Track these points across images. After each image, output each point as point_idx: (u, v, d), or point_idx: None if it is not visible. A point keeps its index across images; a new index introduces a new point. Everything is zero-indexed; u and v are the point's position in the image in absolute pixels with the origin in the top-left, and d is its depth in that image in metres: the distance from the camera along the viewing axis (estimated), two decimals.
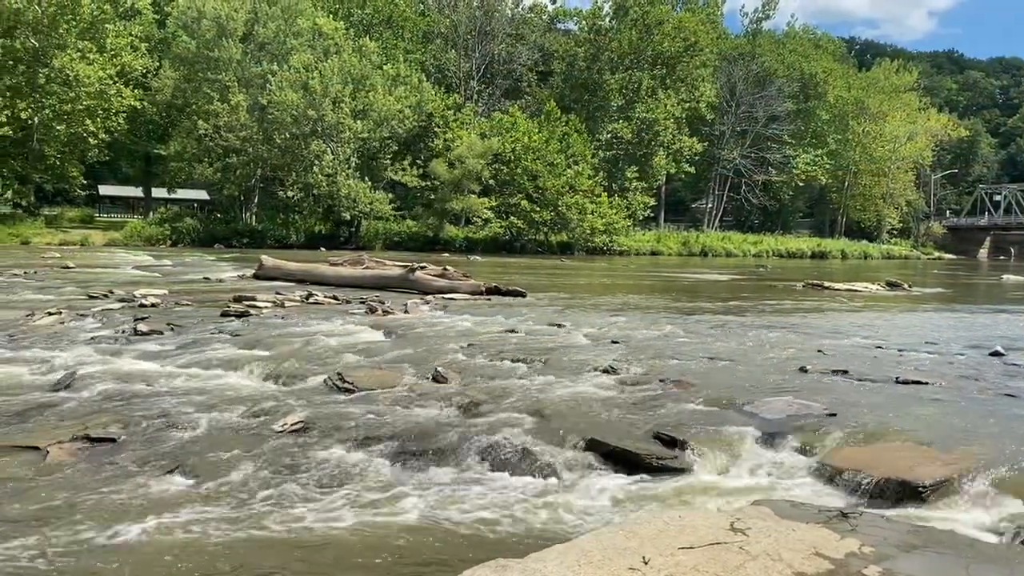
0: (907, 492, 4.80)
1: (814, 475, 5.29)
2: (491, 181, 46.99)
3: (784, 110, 69.97)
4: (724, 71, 68.65)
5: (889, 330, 13.24)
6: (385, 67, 46.75)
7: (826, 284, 24.10)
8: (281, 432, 6.08)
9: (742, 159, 70.16)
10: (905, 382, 7.78)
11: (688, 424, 6.10)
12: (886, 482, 4.90)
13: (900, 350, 10.32)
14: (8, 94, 38.93)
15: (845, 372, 8.25)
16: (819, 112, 75.04)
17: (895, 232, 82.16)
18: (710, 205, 72.93)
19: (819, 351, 9.86)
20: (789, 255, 60.02)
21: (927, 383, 7.75)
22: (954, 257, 77.02)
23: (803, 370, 8.35)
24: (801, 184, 75.23)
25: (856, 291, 22.65)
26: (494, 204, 47.00)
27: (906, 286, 24.69)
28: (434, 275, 17.50)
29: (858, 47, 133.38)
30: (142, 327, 10.53)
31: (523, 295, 16.72)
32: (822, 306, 17.66)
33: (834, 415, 6.28)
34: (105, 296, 14.47)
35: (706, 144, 65.68)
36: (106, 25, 42.63)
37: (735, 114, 69.07)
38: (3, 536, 4.22)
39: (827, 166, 73.98)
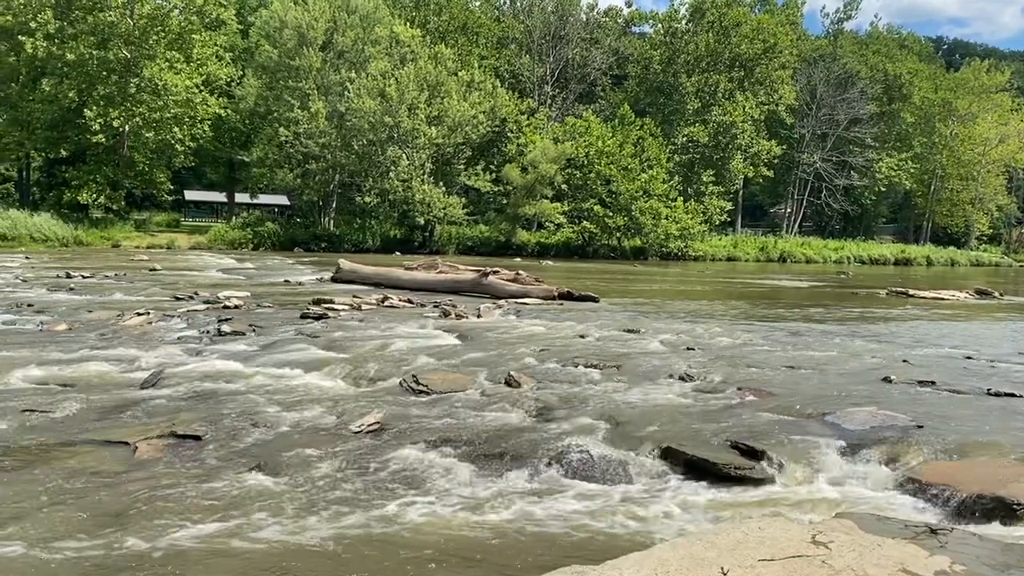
0: (1001, 509, 4.59)
1: (900, 489, 5.11)
2: (564, 186, 46.89)
3: (867, 112, 67.91)
4: (804, 73, 67.10)
5: (979, 340, 12.72)
6: (460, 73, 47.16)
7: (911, 291, 23.29)
8: (359, 432, 6.19)
9: (823, 163, 68.38)
10: (997, 394, 7.47)
11: (767, 434, 5.97)
12: (978, 498, 4.71)
13: (991, 361, 9.90)
14: (102, 103, 40.63)
15: (932, 383, 7.96)
16: (904, 114, 72.63)
17: (984, 238, 78.88)
18: (789, 210, 71.30)
19: (904, 361, 9.54)
20: (871, 261, 58.17)
21: (1021, 396, 7.41)
22: None
23: (887, 380, 8.09)
24: (884, 189, 72.91)
25: (943, 299, 21.83)
26: (567, 209, 46.89)
27: (997, 294, 23.68)
28: (506, 279, 17.55)
29: (946, 47, 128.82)
30: (226, 328, 10.86)
31: (596, 300, 16.64)
32: (907, 314, 17.09)
33: (921, 427, 6.06)
34: (190, 298, 14.97)
35: (785, 147, 64.25)
36: (193, 36, 44.13)
37: (815, 116, 67.39)
38: (93, 527, 4.40)
39: (912, 170, 71.54)
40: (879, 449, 5.63)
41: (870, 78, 69.62)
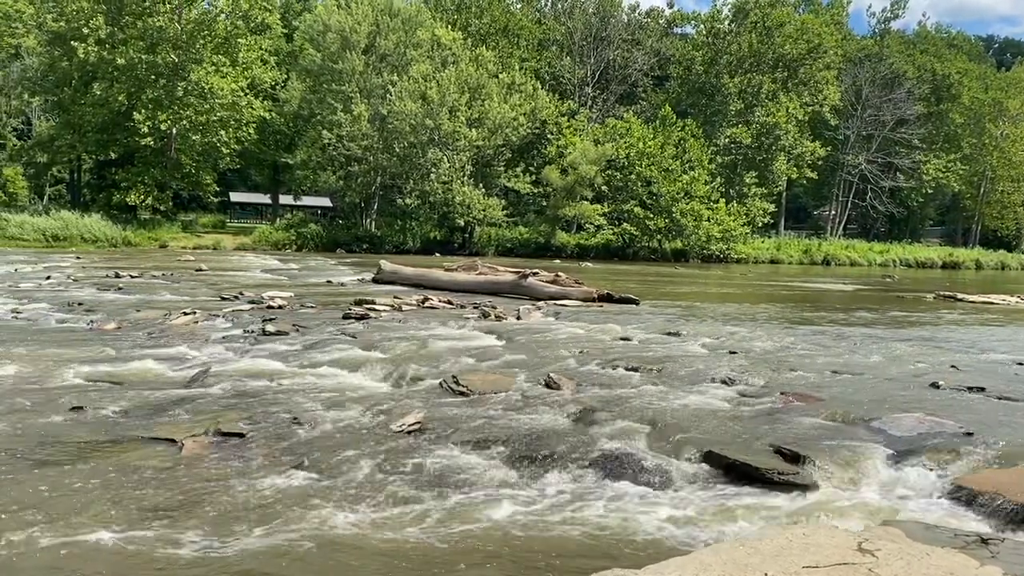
0: None
1: (948, 497, 5.00)
2: (604, 187, 46.72)
3: (914, 113, 66.56)
4: (849, 73, 66.00)
5: None
6: (500, 75, 47.25)
7: (959, 295, 22.78)
8: (399, 432, 6.22)
9: (868, 164, 67.19)
10: None
11: (811, 439, 5.88)
12: None
13: None
14: (150, 106, 41.48)
15: (982, 389, 7.78)
16: (952, 115, 71.06)
17: None
18: (833, 212, 70.17)
19: (952, 366, 9.34)
20: (918, 265, 57.01)
21: None
22: None
23: (935, 386, 7.92)
24: (931, 191, 71.42)
25: (993, 304, 21.31)
26: (607, 210, 46.71)
27: None
28: (546, 281, 17.53)
29: (996, 46, 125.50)
30: (269, 328, 11.00)
31: (636, 302, 16.54)
32: (955, 319, 16.72)
33: (970, 434, 5.93)
34: (235, 298, 15.19)
35: (829, 149, 63.26)
36: (238, 40, 44.85)
37: (861, 117, 66.25)
38: (141, 522, 4.48)
39: (960, 172, 69.99)
40: (927, 456, 5.52)
41: (917, 78, 68.24)
